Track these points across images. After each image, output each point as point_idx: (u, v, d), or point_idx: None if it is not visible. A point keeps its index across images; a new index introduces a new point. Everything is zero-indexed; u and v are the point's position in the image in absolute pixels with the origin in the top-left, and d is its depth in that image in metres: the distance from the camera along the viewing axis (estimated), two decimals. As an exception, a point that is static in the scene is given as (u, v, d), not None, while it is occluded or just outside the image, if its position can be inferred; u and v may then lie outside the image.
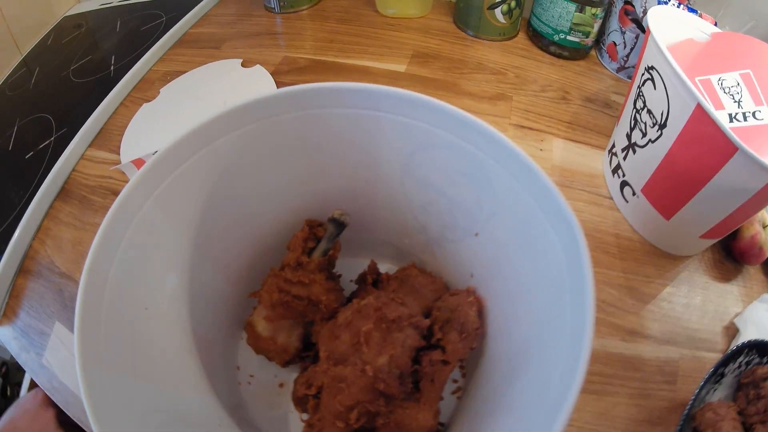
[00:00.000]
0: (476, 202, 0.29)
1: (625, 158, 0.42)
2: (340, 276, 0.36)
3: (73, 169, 0.52)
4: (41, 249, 0.48)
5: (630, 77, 0.55)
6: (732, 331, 0.36)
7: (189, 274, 0.30)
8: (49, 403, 0.42)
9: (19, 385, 0.74)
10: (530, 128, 0.50)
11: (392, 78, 0.52)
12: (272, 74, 0.53)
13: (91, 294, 0.23)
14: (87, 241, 0.46)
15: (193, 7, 0.64)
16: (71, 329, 0.42)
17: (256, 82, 0.52)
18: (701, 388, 0.31)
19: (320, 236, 0.33)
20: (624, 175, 0.42)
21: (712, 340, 0.35)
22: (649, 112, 0.37)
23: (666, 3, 0.49)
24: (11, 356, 0.44)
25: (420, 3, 0.60)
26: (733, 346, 0.34)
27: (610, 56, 0.57)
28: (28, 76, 0.62)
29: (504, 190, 0.26)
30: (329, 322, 0.31)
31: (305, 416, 0.32)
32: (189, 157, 0.27)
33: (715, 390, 0.34)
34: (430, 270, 0.36)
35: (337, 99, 0.28)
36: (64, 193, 0.50)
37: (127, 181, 0.47)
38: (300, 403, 0.32)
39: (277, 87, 0.51)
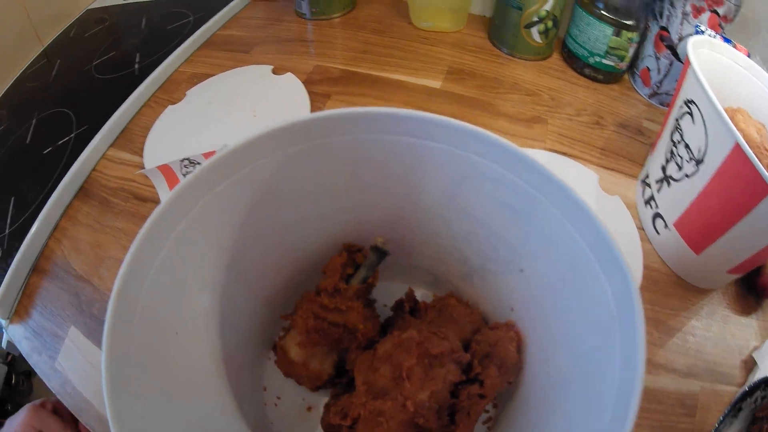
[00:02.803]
0: (522, 238, 0.28)
1: (659, 190, 0.42)
2: (374, 301, 0.36)
3: (94, 169, 0.52)
4: (57, 249, 0.48)
5: (662, 103, 0.55)
6: (750, 364, 0.37)
7: (221, 295, 0.29)
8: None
9: (26, 374, 0.74)
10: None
11: (428, 94, 0.52)
12: (304, 83, 0.53)
13: (120, 320, 0.22)
14: (106, 244, 0.46)
15: (221, 8, 0.64)
16: (87, 335, 0.42)
17: (287, 91, 0.52)
18: (721, 422, 0.32)
19: (359, 262, 0.33)
20: (657, 207, 0.42)
21: (730, 374, 0.36)
22: (687, 146, 0.37)
23: (702, 33, 0.49)
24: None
25: (455, 17, 0.60)
26: (751, 380, 0.35)
27: (643, 81, 0.57)
28: (49, 68, 0.62)
29: (553, 228, 0.25)
30: (367, 352, 0.31)
31: (336, 445, 0.32)
32: (229, 176, 0.27)
33: (731, 423, 0.34)
34: (467, 299, 0.36)
35: (387, 125, 0.27)
36: (83, 192, 0.50)
37: (151, 186, 0.48)
38: (331, 430, 0.32)
39: (310, 97, 0.51)
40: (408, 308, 0.35)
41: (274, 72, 0.55)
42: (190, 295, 0.27)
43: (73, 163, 0.50)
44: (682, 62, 0.49)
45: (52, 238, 0.48)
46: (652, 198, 0.43)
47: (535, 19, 0.55)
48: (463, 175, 0.28)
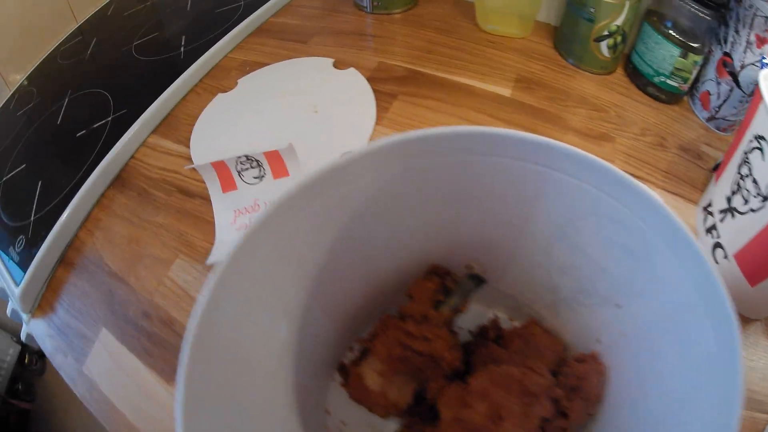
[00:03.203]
0: (628, 275, 0.27)
1: (722, 221, 0.41)
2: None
3: (133, 156, 0.48)
4: (89, 241, 0.43)
5: (719, 128, 0.54)
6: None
7: (299, 323, 0.27)
8: None
9: (39, 354, 0.70)
10: (633, 175, 0.48)
11: (498, 102, 0.49)
12: (368, 80, 0.50)
13: (199, 353, 0.20)
14: (144, 240, 0.42)
15: (274, -7, 0.60)
16: (120, 339, 0.38)
17: (351, 88, 0.48)
18: None
19: (449, 287, 0.31)
20: (718, 237, 0.41)
21: (766, 402, 0.36)
22: (755, 181, 0.36)
23: (767, 65, 0.48)
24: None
25: (522, 23, 0.57)
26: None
27: (702, 105, 0.56)
28: (84, 46, 0.58)
29: (662, 268, 0.24)
30: (455, 385, 0.29)
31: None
32: (320, 198, 0.24)
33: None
34: (547, 326, 0.33)
35: (506, 147, 0.25)
36: (119, 181, 0.46)
37: (199, 180, 0.44)
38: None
39: (375, 95, 0.48)
40: (492, 336, 0.33)
41: (335, 66, 0.51)
42: (269, 326, 0.25)
43: (109, 148, 0.47)
44: (742, 90, 0.48)
45: (83, 229, 0.45)
46: (713, 227, 0.42)
47: (606, 33, 0.53)
48: (583, 210, 0.26)
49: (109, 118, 0.49)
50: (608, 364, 0.29)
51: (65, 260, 0.43)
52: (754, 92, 0.38)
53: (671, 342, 0.24)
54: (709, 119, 0.54)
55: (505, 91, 0.50)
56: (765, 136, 0.34)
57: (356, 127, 0.45)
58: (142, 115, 0.48)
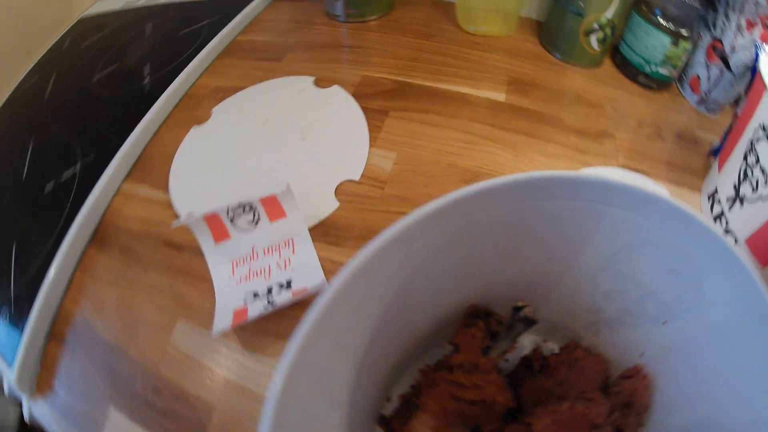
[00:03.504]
0: (677, 296, 0.27)
1: (730, 208, 0.42)
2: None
3: (108, 208, 0.43)
4: (76, 310, 0.40)
5: (709, 110, 0.54)
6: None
7: (350, 402, 0.26)
8: None
9: None
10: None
11: (494, 109, 0.47)
12: (353, 97, 0.46)
13: None
14: (138, 305, 0.38)
15: (236, 10, 0.55)
16: (132, 418, 0.35)
17: (337, 108, 0.44)
18: None
19: (493, 329, 0.29)
20: (727, 224, 0.42)
21: None
22: (763, 170, 0.37)
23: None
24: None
25: (506, 21, 0.55)
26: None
27: (692, 89, 0.56)
28: (43, 85, 0.52)
29: (714, 292, 0.24)
30: (513, 427, 0.28)
31: None
32: (372, 277, 0.23)
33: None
34: (586, 345, 0.33)
35: (565, 190, 0.24)
36: (98, 238, 0.42)
37: (186, 230, 0.40)
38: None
39: (364, 113, 0.45)
40: (537, 367, 0.32)
41: (317, 84, 0.47)
42: (324, 415, 0.24)
43: (81, 202, 0.42)
44: (732, 73, 0.49)
45: (67, 297, 0.41)
46: (722, 214, 0.43)
47: (595, 26, 0.51)
48: (632, 240, 0.27)
49: (77, 166, 0.45)
50: (652, 374, 0.29)
51: (54, 334, 0.39)
52: (754, 80, 0.38)
53: (718, 352, 0.24)
54: (700, 102, 0.55)
55: (500, 96, 0.48)
56: (770, 127, 0.34)
57: (350, 152, 0.42)
58: (113, 160, 0.43)
